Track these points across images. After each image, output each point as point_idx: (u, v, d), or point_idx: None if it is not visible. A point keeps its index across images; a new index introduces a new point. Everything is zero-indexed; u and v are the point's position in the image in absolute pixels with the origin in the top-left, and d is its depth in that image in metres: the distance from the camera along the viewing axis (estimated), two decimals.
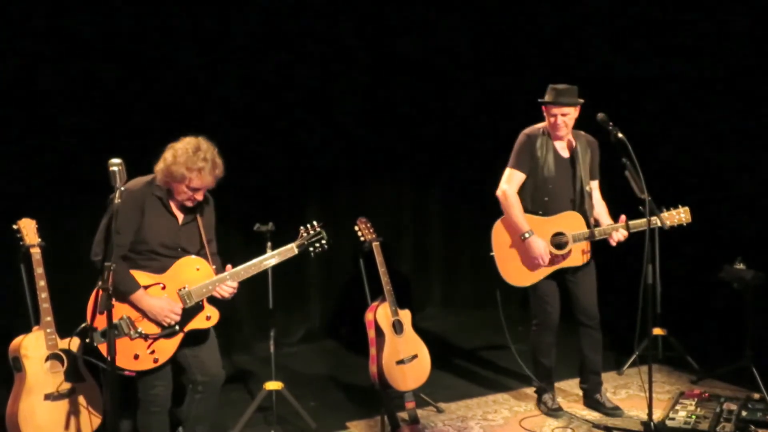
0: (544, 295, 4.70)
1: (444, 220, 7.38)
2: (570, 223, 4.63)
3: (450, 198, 7.34)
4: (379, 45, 6.65)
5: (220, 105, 5.91)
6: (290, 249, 3.84)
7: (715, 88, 6.17)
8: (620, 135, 4.28)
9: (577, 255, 4.65)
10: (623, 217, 4.57)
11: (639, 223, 4.50)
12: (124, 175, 3.23)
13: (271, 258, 3.81)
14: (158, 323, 3.61)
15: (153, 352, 3.59)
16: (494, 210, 7.27)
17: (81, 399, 4.01)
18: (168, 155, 3.60)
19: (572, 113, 4.56)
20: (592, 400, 4.89)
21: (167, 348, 3.61)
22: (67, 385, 3.99)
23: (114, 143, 5.21)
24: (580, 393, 4.99)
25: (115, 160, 3.22)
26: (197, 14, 5.78)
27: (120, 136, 5.37)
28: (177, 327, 3.61)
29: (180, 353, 3.74)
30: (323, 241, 3.89)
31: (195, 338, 3.76)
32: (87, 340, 3.47)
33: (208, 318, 3.69)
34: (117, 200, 3.22)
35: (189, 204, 3.67)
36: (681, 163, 6.36)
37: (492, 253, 4.70)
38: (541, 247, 4.55)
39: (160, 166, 3.63)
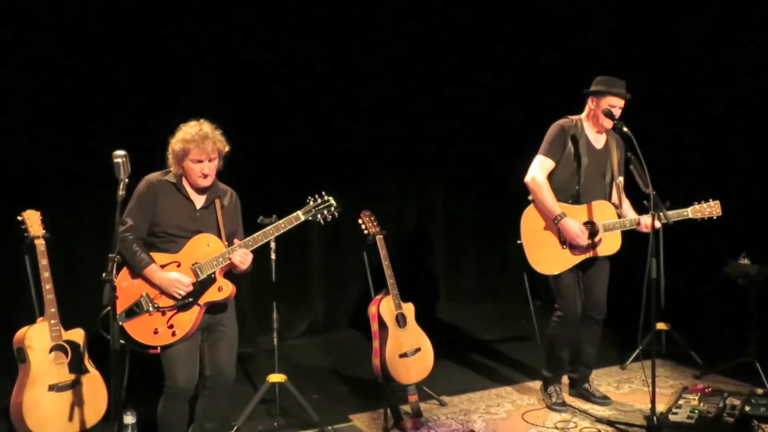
0: (571, 287, 4.67)
1: (448, 215, 7.38)
2: (600, 212, 4.61)
3: (454, 192, 7.34)
4: (383, 38, 6.64)
5: (225, 98, 5.91)
6: (296, 216, 3.82)
7: (721, 83, 6.15)
8: (625, 129, 4.28)
9: (607, 244, 4.62)
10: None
11: (671, 214, 4.54)
12: (128, 167, 3.27)
13: (277, 226, 3.80)
14: (172, 297, 3.68)
15: (171, 326, 3.67)
16: (498, 204, 7.31)
17: (85, 390, 4.02)
18: (172, 140, 3.73)
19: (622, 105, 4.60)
20: (581, 389, 4.92)
21: (185, 321, 3.68)
22: (71, 376, 4.00)
23: (119, 135, 5.24)
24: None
25: (119, 152, 3.26)
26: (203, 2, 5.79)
27: (125, 128, 5.38)
28: (191, 299, 3.68)
29: (201, 344, 3.82)
30: (332, 209, 3.84)
31: (218, 331, 3.84)
32: (120, 321, 3.56)
33: (220, 289, 3.74)
34: (121, 192, 3.27)
35: (202, 182, 3.73)
36: (686, 157, 6.35)
37: (519, 241, 4.66)
38: (575, 226, 4.52)
39: (168, 152, 3.75)
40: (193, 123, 3.72)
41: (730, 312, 5.79)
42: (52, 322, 3.99)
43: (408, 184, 7.15)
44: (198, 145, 3.63)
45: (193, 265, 3.72)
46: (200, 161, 3.68)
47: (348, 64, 6.52)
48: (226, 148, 3.75)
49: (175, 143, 3.69)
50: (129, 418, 4.24)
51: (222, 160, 3.77)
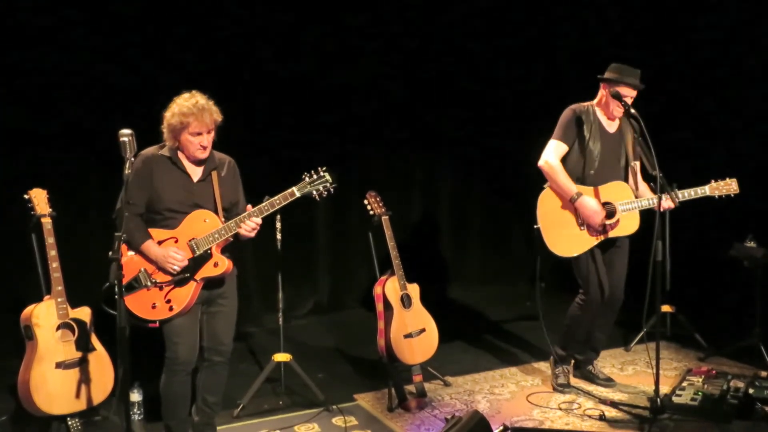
0: (594, 271, 4.63)
1: (453, 195, 7.37)
2: (617, 192, 4.59)
3: (459, 173, 7.32)
4: (387, 29, 6.61)
5: (230, 79, 5.89)
6: (291, 192, 3.78)
7: (727, 65, 6.12)
8: (633, 111, 4.27)
9: (625, 225, 4.60)
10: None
11: (687, 192, 4.53)
12: (134, 146, 3.26)
13: (272, 202, 3.77)
14: (168, 272, 3.71)
15: (169, 301, 3.70)
16: (505, 185, 7.30)
17: (91, 367, 4.05)
18: (167, 114, 3.70)
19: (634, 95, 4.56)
20: (584, 371, 4.94)
21: (182, 296, 3.71)
22: (77, 354, 4.03)
23: (126, 114, 5.23)
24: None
25: (126, 131, 3.24)
26: None
27: (132, 107, 5.37)
28: (187, 274, 3.70)
29: (201, 316, 3.86)
30: (328, 184, 3.79)
31: (217, 304, 3.87)
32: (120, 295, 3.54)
33: (216, 265, 3.76)
34: (127, 171, 3.26)
35: (200, 154, 3.73)
36: (693, 140, 6.32)
37: (536, 226, 4.62)
38: (593, 204, 4.49)
39: (163, 126, 3.72)
40: (186, 95, 3.69)
41: (735, 295, 5.78)
42: (59, 300, 4.01)
43: (414, 165, 7.13)
44: (197, 118, 3.62)
45: (190, 241, 3.73)
46: (199, 134, 3.67)
47: (354, 44, 6.49)
48: (220, 118, 3.73)
49: (171, 117, 3.66)
50: (135, 396, 4.27)
51: (215, 131, 3.74)
